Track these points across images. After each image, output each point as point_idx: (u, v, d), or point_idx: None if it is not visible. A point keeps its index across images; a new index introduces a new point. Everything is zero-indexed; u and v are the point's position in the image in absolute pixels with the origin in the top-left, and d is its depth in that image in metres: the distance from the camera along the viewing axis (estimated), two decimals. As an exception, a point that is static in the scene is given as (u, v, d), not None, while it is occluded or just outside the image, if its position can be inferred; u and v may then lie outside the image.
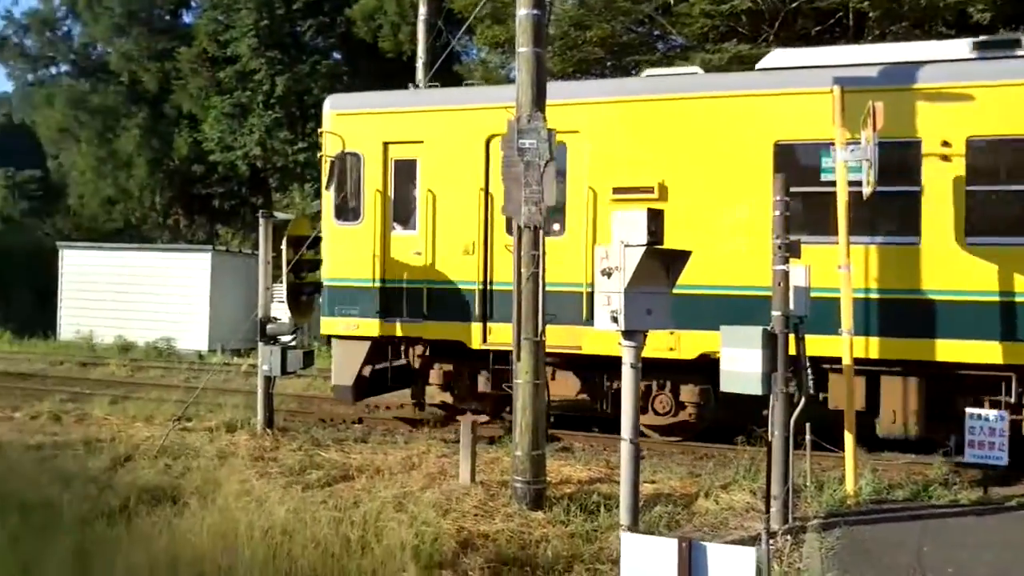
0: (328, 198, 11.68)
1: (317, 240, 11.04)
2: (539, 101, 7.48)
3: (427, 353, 11.45)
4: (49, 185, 39.86)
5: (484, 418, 11.42)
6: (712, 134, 9.85)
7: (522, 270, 7.40)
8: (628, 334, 6.32)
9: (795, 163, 9.62)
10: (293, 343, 10.78)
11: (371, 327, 11.23)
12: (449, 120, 11.23)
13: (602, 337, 9.05)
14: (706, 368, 9.54)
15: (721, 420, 10.38)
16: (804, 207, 9.25)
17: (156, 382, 15.99)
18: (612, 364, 9.33)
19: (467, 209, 10.90)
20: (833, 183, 8.30)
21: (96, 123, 28.67)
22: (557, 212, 10.30)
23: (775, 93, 9.75)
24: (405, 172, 11.51)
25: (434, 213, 11.17)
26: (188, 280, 21.43)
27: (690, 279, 8.37)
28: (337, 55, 27.81)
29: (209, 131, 26.50)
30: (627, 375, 6.41)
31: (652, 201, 9.59)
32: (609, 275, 6.25)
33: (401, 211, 11.49)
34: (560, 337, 9.97)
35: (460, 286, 10.99)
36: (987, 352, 8.83)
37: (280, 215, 10.94)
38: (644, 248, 6.11)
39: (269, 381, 10.59)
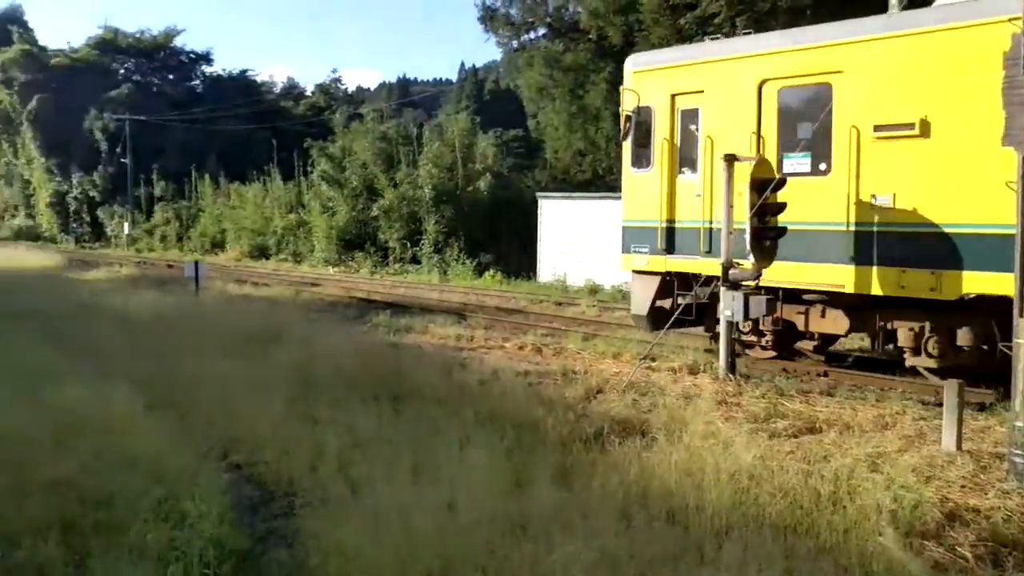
0: (626, 148, 13.11)
1: (782, 183, 10.60)
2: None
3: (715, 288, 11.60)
4: (529, 142, 44.38)
5: (769, 355, 11.99)
6: (980, 65, 9.11)
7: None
8: None
9: None
10: (757, 288, 10.54)
11: (658, 263, 12.43)
12: (725, 69, 11.85)
13: (865, 275, 10.12)
14: (984, 309, 9.40)
15: None
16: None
17: (620, 322, 16.87)
18: (882, 303, 10.14)
19: (740, 152, 11.03)
20: None
21: (568, 81, 30.94)
22: (823, 152, 10.71)
23: None
24: (689, 120, 12.34)
25: (712, 157, 11.64)
26: (649, 227, 22.27)
27: (950, 218, 9.38)
28: (801, -12, 26.32)
29: (670, 81, 26.78)
30: None
31: (913, 138, 9.71)
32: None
33: (686, 157, 12.38)
34: (822, 275, 10.64)
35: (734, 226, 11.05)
36: None
37: (744, 157, 10.67)
38: None
39: (731, 326, 10.55)
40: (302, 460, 6.52)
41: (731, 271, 10.49)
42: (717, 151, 11.49)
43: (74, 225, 59.76)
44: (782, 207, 10.63)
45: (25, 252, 38.98)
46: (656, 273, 12.55)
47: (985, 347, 9.76)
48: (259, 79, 66.65)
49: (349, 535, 4.79)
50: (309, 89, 67.15)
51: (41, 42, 66.02)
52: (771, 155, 11.09)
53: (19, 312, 14.68)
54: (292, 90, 67.34)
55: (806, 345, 11.96)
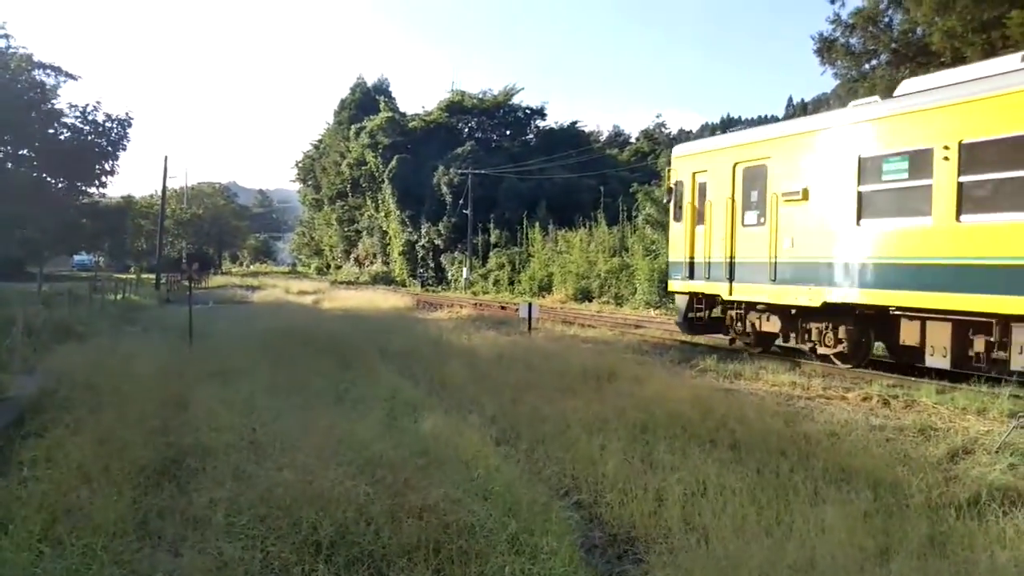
0: (669, 208, 19.80)
1: None
2: None
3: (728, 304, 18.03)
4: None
5: (758, 350, 17.67)
6: (820, 152, 15.08)
7: None
8: None
9: (875, 170, 13.93)
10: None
11: (684, 286, 18.80)
12: (717, 155, 17.98)
13: (778, 292, 15.85)
14: (855, 316, 14.83)
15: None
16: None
17: (987, 374, 14.99)
18: (801, 310, 15.71)
19: (727, 211, 17.22)
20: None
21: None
22: (761, 210, 16.33)
23: (856, 122, 14.49)
24: (701, 190, 18.29)
25: (711, 214, 17.80)
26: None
27: (820, 252, 14.90)
28: None
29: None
30: None
31: (797, 200, 15.40)
32: None
33: (700, 214, 18.28)
34: (752, 292, 16.65)
35: (719, 259, 17.51)
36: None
37: None
38: None
39: None
40: (643, 503, 6.44)
41: None
42: (712, 210, 17.79)
43: (420, 270, 66.07)
44: None
45: (381, 294, 43.65)
46: (685, 293, 18.83)
47: (853, 340, 15.13)
48: (587, 129, 69.56)
49: (701, 588, 4.61)
50: (634, 135, 68.74)
51: (401, 108, 74.38)
52: (737, 214, 17.02)
53: (381, 348, 16.34)
54: (617, 137, 69.45)
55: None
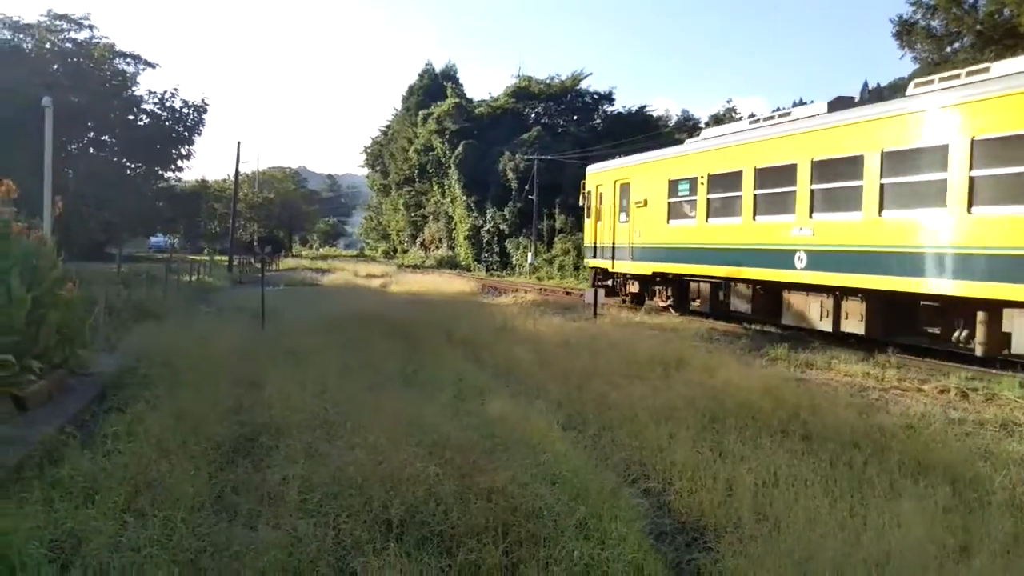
0: (584, 208, 28.85)
1: None
2: None
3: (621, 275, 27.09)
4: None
5: (637, 304, 26.25)
6: (653, 176, 23.70)
7: None
8: None
9: (675, 188, 22.67)
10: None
11: (591, 263, 28.25)
12: (607, 175, 26.95)
13: (635, 266, 24.97)
14: (671, 280, 23.74)
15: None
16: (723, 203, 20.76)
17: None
18: (649, 278, 24.75)
19: (611, 212, 26.30)
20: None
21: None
22: (626, 213, 25.37)
23: (668, 157, 23.64)
24: (600, 198, 27.27)
25: (605, 214, 26.86)
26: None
27: (653, 240, 23.84)
28: None
29: None
30: None
31: (643, 206, 24.23)
32: None
33: (599, 214, 27.31)
34: (624, 267, 25.53)
35: (607, 244, 26.59)
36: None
37: None
38: None
39: None
40: (713, 492, 6.36)
41: None
42: (604, 212, 26.88)
43: (485, 255, 66.23)
44: None
45: (447, 278, 43.93)
46: (593, 268, 28.06)
47: (676, 295, 23.57)
48: (655, 114, 68.48)
49: (774, 579, 4.53)
50: (703, 120, 67.51)
51: (468, 94, 74.41)
52: (617, 214, 25.92)
53: (447, 332, 16.45)
54: (686, 122, 68.20)
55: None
